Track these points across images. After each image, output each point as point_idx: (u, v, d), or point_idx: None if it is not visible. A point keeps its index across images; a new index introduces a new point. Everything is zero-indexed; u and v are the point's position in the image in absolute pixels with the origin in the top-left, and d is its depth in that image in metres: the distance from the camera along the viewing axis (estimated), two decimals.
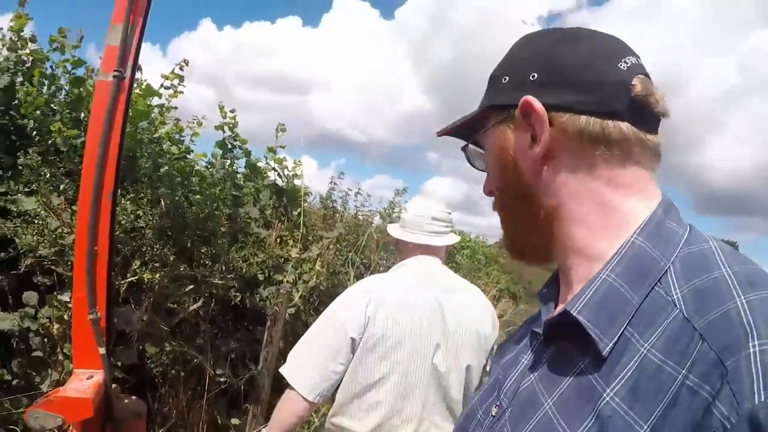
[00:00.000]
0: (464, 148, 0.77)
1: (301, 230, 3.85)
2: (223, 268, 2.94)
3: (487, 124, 0.70)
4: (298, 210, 3.91)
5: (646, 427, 0.51)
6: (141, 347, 2.70)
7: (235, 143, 3.85)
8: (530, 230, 0.69)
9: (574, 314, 0.59)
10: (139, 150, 2.96)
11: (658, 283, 0.58)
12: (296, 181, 4.20)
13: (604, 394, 0.54)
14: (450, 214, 2.03)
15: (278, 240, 3.85)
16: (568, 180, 0.64)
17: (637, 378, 0.53)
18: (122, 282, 2.54)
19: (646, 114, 0.63)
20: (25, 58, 2.92)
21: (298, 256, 3.58)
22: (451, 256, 8.41)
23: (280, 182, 4.11)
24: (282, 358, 3.19)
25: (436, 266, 1.92)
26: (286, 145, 4.20)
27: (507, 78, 0.68)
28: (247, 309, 3.25)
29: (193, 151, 3.94)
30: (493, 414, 0.69)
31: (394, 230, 2.00)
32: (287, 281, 3.42)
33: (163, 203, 2.68)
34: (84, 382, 1.73)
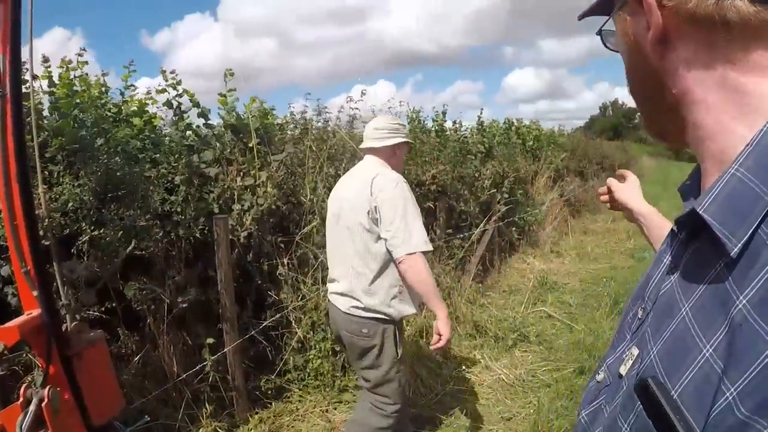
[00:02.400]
0: (599, 33, 0.76)
1: (256, 160, 4.46)
2: (161, 210, 3.67)
3: (614, 9, 0.69)
4: (251, 144, 4.50)
5: None
6: (121, 288, 3.55)
7: (180, 100, 4.48)
8: (661, 115, 0.66)
9: (700, 212, 0.56)
10: (83, 132, 3.68)
11: None
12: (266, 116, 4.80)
13: (737, 301, 0.50)
14: (398, 123, 2.74)
15: (240, 173, 4.50)
16: (691, 65, 0.60)
17: None
18: (81, 241, 3.35)
19: None
20: None
21: (243, 183, 4.22)
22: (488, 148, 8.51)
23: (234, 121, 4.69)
24: (237, 278, 3.89)
25: (365, 162, 2.72)
26: (235, 87, 4.75)
27: None
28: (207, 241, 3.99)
29: (155, 116, 4.64)
30: (639, 317, 0.68)
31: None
32: (237, 208, 4.10)
33: (97, 173, 3.40)
34: (22, 318, 2.52)
